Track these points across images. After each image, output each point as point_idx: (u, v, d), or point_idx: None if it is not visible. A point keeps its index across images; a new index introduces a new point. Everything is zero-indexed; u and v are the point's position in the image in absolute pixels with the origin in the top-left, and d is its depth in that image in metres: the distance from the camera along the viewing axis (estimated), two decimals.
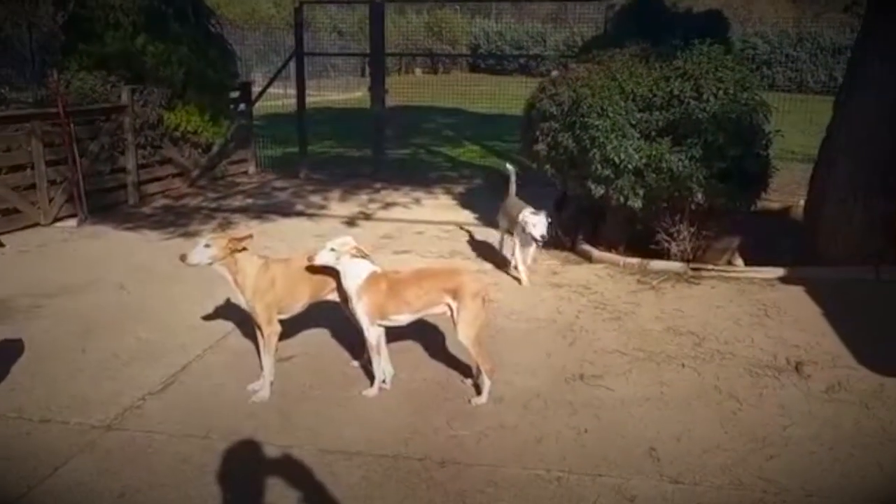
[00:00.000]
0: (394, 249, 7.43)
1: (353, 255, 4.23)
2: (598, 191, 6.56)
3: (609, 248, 7.03)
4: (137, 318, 5.56)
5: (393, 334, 4.59)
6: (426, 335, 5.01)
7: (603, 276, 6.54)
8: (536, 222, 5.88)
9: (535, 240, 5.96)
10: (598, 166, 6.37)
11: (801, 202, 7.34)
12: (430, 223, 8.66)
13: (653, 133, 6.34)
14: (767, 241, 6.98)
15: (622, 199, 6.41)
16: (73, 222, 8.57)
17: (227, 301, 5.41)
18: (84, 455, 3.70)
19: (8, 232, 7.96)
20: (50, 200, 8.52)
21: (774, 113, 6.63)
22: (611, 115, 6.32)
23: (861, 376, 4.55)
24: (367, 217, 9.11)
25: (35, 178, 8.41)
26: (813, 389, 4.41)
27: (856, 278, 6.20)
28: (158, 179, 10.39)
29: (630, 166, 6.20)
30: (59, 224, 8.51)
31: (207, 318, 5.43)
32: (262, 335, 4.37)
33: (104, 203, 9.23)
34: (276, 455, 3.72)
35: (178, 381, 4.55)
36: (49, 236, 8.10)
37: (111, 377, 4.59)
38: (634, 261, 6.71)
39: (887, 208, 6.48)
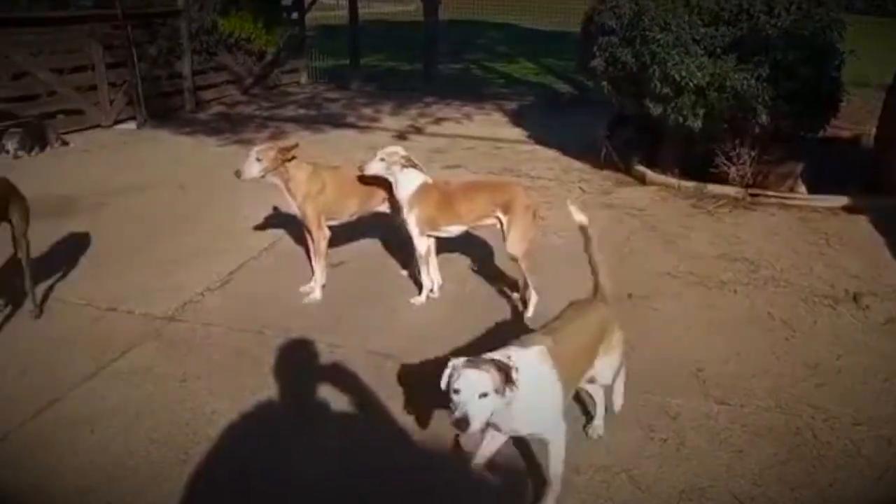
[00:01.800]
0: (444, 164, 7.39)
1: (404, 165, 4.22)
2: (657, 110, 6.35)
3: (664, 171, 6.86)
4: (196, 219, 5.72)
5: (442, 245, 4.62)
6: (475, 248, 5.03)
7: (657, 198, 6.43)
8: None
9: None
10: (658, 84, 6.15)
11: (873, 131, 7.01)
12: (481, 139, 8.56)
13: (717, 50, 6.06)
14: (834, 170, 6.71)
15: (681, 118, 6.19)
16: (132, 125, 8.74)
17: (279, 208, 5.49)
18: (148, 342, 3.90)
19: (72, 131, 8.19)
20: (111, 102, 8.68)
21: (850, 35, 6.26)
22: (674, 29, 6.06)
23: None
24: (418, 131, 9.04)
25: (96, 80, 8.54)
26: (871, 321, 4.30)
27: None
28: (213, 86, 10.47)
29: (691, 84, 5.96)
30: (119, 126, 8.70)
31: (261, 222, 5.54)
32: (313, 239, 4.46)
33: (162, 108, 9.36)
34: (326, 352, 3.84)
35: (234, 280, 4.71)
36: (110, 137, 8.30)
37: (172, 272, 4.77)
38: (690, 184, 6.56)
39: None
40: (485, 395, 2.31)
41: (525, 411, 2.49)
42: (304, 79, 12.31)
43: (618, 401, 3.27)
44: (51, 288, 4.47)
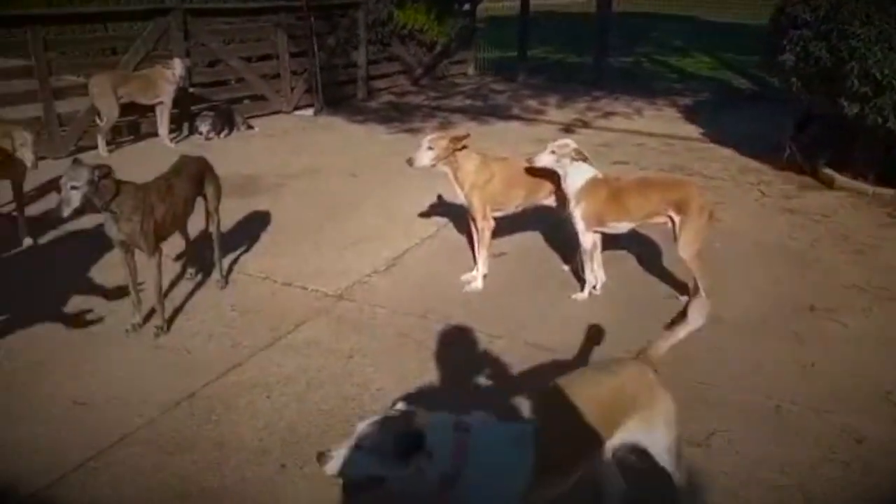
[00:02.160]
0: (612, 159, 7.19)
1: (574, 159, 4.15)
2: (852, 109, 5.83)
3: (856, 176, 6.30)
4: (366, 203, 5.97)
5: (608, 242, 4.50)
6: (642, 246, 4.87)
7: (846, 204, 5.91)
8: None
9: None
10: (855, 81, 5.64)
11: None
12: (652, 135, 8.26)
13: None
14: None
15: (880, 119, 5.65)
16: (310, 112, 9.25)
17: (444, 197, 5.60)
18: (320, 318, 4.11)
19: (256, 116, 8.80)
20: (291, 90, 9.24)
21: None
22: (877, 22, 5.54)
23: None
24: (585, 125, 8.87)
25: (279, 68, 9.12)
26: None
27: None
28: (385, 76, 10.84)
29: (895, 83, 5.41)
30: (297, 112, 9.24)
31: (426, 210, 5.67)
32: (477, 229, 4.50)
33: (337, 96, 9.83)
34: (485, 342, 3.87)
35: (400, 264, 4.86)
36: (290, 123, 8.84)
37: (343, 253, 5.01)
38: (888, 191, 5.98)
39: None
40: (358, 449, 1.96)
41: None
42: (471, 70, 12.47)
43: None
44: (235, 261, 4.83)
